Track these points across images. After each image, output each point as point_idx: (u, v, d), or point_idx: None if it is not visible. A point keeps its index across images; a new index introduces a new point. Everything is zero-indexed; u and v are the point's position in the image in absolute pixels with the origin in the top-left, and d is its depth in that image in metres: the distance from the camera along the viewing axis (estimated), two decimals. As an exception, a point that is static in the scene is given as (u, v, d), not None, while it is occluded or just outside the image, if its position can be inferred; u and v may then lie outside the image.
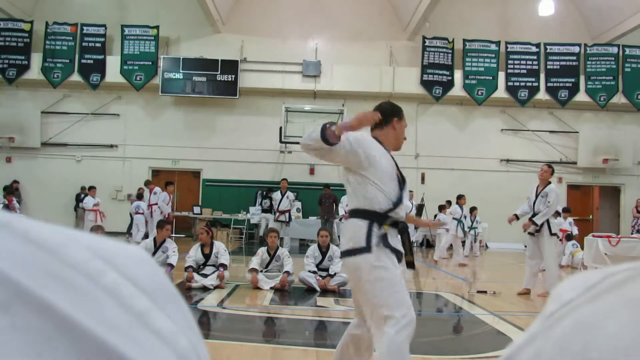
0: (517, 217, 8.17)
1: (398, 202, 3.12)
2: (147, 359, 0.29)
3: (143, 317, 0.30)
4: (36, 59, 17.86)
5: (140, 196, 14.95)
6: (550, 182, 8.04)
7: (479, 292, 8.12)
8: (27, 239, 0.29)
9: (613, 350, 0.29)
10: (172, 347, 0.31)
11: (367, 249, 2.96)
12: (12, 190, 15.07)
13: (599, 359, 0.29)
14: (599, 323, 0.31)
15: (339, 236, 14.02)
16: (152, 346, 0.30)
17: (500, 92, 18.08)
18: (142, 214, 14.45)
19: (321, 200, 14.81)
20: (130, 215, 14.94)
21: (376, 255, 2.95)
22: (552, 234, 7.90)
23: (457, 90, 17.89)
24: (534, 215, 7.88)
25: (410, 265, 3.18)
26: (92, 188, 15.56)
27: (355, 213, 3.14)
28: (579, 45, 18.24)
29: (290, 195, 14.11)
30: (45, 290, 0.27)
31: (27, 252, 0.29)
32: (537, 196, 7.92)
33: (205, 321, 5.92)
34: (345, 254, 3.06)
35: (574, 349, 0.31)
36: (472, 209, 13.79)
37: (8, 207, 13.05)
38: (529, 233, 7.99)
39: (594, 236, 10.63)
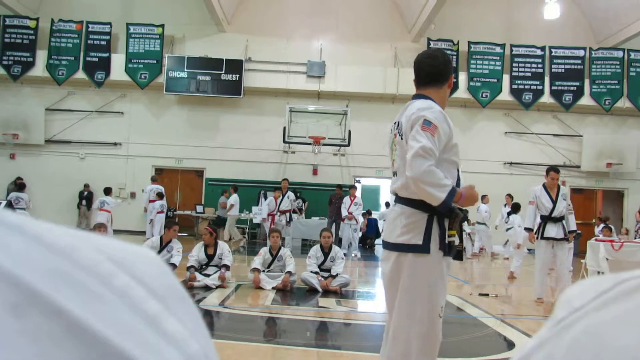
0: (533, 231, 7.84)
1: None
2: None
3: (154, 320, 0.30)
4: (41, 56, 17.90)
5: (161, 195, 14.85)
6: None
7: (481, 294, 8.11)
8: (39, 241, 0.29)
9: (624, 358, 0.28)
10: (182, 350, 0.31)
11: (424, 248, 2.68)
12: (22, 185, 15.03)
13: None
14: (610, 330, 0.31)
15: (340, 238, 14.05)
16: (162, 350, 0.30)
17: (505, 95, 18.06)
18: (164, 212, 14.46)
19: (331, 200, 14.83)
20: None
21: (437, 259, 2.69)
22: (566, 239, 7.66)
23: (462, 93, 17.87)
24: (553, 218, 7.58)
25: (459, 256, 2.86)
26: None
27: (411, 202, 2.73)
28: (584, 48, 18.20)
29: (291, 195, 14.11)
30: (57, 293, 0.27)
31: (38, 255, 0.28)
32: (555, 199, 7.64)
33: (207, 320, 5.92)
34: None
35: (584, 356, 0.31)
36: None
37: (12, 205, 13.05)
38: (548, 238, 7.59)
39: (596, 240, 10.59)
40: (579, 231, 7.98)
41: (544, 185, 7.81)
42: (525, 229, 8.09)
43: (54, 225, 0.31)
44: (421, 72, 2.91)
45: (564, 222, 7.67)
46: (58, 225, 0.31)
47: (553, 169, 7.88)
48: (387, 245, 2.81)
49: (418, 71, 2.92)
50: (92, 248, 0.31)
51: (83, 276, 0.29)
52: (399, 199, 2.79)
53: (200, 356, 0.32)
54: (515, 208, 12.08)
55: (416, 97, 2.89)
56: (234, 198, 15.50)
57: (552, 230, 7.62)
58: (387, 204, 18.36)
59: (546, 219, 7.66)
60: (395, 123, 2.90)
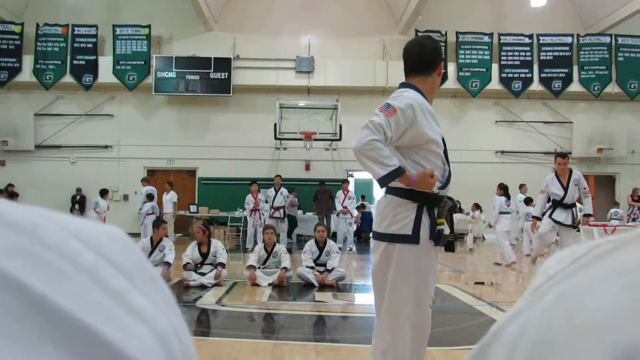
0: (539, 219, 7.77)
1: (448, 180, 2.81)
2: (125, 338, 0.28)
3: (121, 296, 0.30)
4: (28, 61, 17.78)
5: (150, 197, 14.73)
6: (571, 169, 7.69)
7: (476, 283, 8.15)
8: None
9: (597, 320, 0.29)
10: (150, 326, 0.30)
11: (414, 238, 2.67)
12: (14, 193, 14.97)
13: (583, 328, 0.29)
14: (583, 293, 0.31)
15: (334, 232, 14.05)
16: (130, 326, 0.29)
17: (494, 84, 18.11)
18: (154, 213, 14.37)
19: (317, 196, 14.76)
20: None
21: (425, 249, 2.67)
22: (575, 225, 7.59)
23: (451, 83, 17.89)
24: (564, 204, 7.50)
25: (451, 247, 2.84)
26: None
27: (397, 191, 2.70)
28: (572, 35, 18.26)
29: (284, 191, 14.10)
30: (17, 269, 0.27)
31: None
32: (566, 186, 7.55)
33: (204, 319, 5.92)
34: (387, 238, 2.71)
35: (559, 321, 0.31)
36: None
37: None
38: (555, 221, 7.49)
39: (590, 225, 10.64)
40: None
41: (555, 173, 7.73)
42: (533, 217, 8.03)
43: (15, 204, 0.30)
44: (408, 60, 2.85)
45: (574, 209, 7.59)
46: (20, 204, 0.31)
47: (559, 155, 7.76)
48: (376, 235, 2.77)
49: (406, 59, 2.87)
50: (55, 226, 0.30)
51: (45, 253, 0.28)
52: (389, 189, 2.75)
53: (170, 332, 0.32)
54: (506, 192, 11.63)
55: (401, 85, 2.86)
56: (173, 195, 15.32)
57: (560, 214, 7.50)
58: (363, 197, 18.14)
59: (557, 204, 7.55)
60: None
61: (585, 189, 7.62)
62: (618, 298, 0.29)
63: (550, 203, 7.70)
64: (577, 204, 7.78)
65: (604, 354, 0.27)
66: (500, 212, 10.98)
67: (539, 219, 7.77)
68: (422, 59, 2.83)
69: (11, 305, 0.26)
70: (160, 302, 0.33)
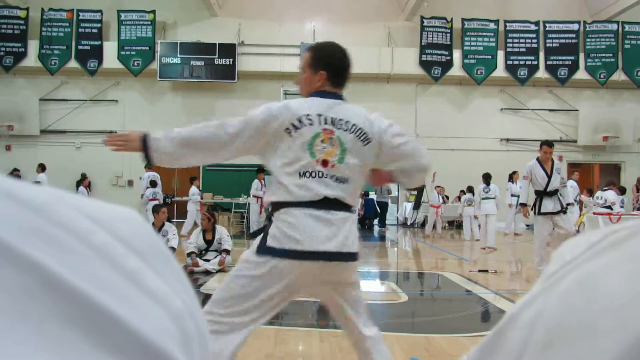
0: (526, 205, 7.82)
1: None
2: (139, 318, 0.28)
3: (134, 276, 0.30)
4: (33, 46, 17.78)
5: (154, 183, 14.63)
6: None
7: (480, 271, 8.16)
8: (11, 197, 0.28)
9: (615, 304, 0.29)
10: (165, 307, 0.30)
11: None
12: (19, 178, 14.95)
13: (601, 313, 0.29)
14: (601, 278, 0.31)
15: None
16: (144, 305, 0.29)
17: (500, 71, 18.00)
18: (157, 200, 14.33)
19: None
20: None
21: None
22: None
23: (456, 70, 17.81)
24: (548, 192, 7.47)
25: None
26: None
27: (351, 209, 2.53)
28: (578, 22, 18.12)
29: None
30: (31, 247, 0.27)
31: (10, 210, 0.27)
32: (550, 174, 7.52)
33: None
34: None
35: (576, 305, 0.31)
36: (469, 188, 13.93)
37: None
38: (546, 213, 7.43)
39: (594, 214, 10.65)
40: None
41: (538, 160, 7.75)
42: (520, 204, 8.05)
43: (29, 184, 0.30)
44: (348, 72, 2.71)
45: (559, 194, 7.62)
46: (34, 184, 0.30)
47: (546, 143, 7.78)
48: (351, 257, 2.44)
49: (344, 71, 2.69)
50: (67, 205, 0.30)
51: (57, 232, 0.28)
52: (348, 207, 2.45)
53: (185, 312, 0.32)
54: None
55: (339, 97, 2.67)
56: (42, 177, 14.98)
57: (549, 204, 7.47)
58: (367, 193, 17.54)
59: (542, 194, 7.53)
60: (324, 118, 2.54)
61: (563, 178, 7.72)
62: (635, 283, 0.29)
63: (534, 196, 7.68)
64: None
65: (622, 339, 0.27)
66: (482, 198, 11.99)
67: (526, 205, 7.81)
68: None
69: (27, 283, 0.26)
70: (174, 283, 0.33)
